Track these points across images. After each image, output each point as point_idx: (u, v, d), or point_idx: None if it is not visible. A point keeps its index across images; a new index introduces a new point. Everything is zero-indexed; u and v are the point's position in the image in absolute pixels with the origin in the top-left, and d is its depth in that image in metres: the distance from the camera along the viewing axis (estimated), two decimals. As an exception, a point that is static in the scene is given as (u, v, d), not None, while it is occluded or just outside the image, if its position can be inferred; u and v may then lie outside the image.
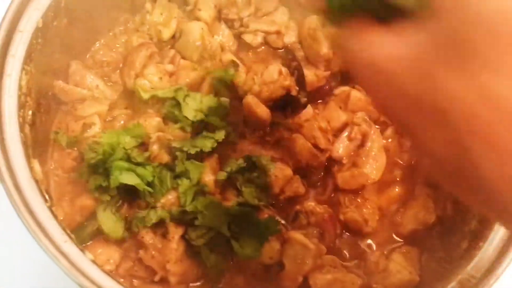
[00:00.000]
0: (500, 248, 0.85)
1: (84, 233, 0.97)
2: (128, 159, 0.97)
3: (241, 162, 1.04)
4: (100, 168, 0.96)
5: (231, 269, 0.99)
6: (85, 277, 0.71)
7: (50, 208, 0.78)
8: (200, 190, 0.99)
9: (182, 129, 1.05)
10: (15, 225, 0.79)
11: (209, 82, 1.13)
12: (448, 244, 1.00)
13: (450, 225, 1.05)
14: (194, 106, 1.05)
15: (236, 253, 0.95)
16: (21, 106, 0.85)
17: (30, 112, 0.90)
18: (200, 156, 1.04)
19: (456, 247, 0.96)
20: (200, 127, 1.06)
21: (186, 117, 1.05)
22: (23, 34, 0.88)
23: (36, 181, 0.80)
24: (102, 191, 0.96)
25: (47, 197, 0.82)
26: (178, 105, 1.06)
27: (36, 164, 0.84)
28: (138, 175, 0.95)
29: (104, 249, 0.96)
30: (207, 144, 1.03)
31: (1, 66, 0.84)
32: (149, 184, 0.96)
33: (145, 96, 1.08)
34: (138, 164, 0.97)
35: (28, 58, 0.89)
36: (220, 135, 1.06)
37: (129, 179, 0.94)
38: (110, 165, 0.95)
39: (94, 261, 0.76)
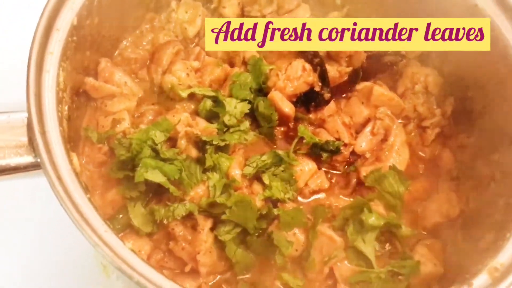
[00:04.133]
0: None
1: (116, 225, 0.99)
2: (156, 155, 0.99)
3: (265, 157, 1.07)
4: (129, 164, 0.98)
5: (258, 262, 1.00)
6: (127, 265, 0.74)
7: (89, 199, 0.80)
8: (228, 184, 1.00)
9: (219, 128, 1.07)
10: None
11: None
12: (472, 237, 1.01)
13: (473, 218, 1.06)
14: (229, 111, 1.08)
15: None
16: (59, 102, 0.88)
17: (66, 107, 0.92)
18: (227, 151, 1.06)
19: (481, 239, 0.97)
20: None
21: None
22: (60, 32, 0.90)
23: (76, 174, 0.82)
24: (132, 187, 0.97)
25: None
26: (219, 106, 1.09)
27: (74, 157, 0.87)
28: (164, 173, 0.96)
29: (135, 241, 0.98)
30: (234, 136, 1.06)
31: (41, 63, 0.86)
32: (175, 180, 0.97)
33: (184, 94, 1.11)
34: (166, 160, 0.98)
35: (64, 55, 0.91)
36: (245, 125, 1.09)
37: (155, 176, 0.95)
38: (138, 163, 0.96)
39: (133, 250, 0.78)
